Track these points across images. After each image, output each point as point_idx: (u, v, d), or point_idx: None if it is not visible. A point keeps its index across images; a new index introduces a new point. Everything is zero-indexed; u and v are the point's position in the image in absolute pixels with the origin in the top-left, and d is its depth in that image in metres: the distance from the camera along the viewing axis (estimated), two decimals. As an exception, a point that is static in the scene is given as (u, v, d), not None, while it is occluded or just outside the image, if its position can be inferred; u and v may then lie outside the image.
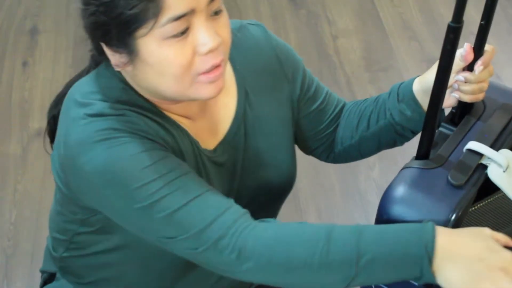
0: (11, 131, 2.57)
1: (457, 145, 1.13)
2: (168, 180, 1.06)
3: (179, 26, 1.03)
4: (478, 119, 1.18)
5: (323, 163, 1.46)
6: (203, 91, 1.09)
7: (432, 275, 1.00)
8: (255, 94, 1.26)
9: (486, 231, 1.03)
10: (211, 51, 1.06)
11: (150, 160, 1.06)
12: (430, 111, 1.08)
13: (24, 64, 2.84)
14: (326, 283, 1.04)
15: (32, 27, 3.02)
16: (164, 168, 1.07)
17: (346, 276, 1.02)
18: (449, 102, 1.20)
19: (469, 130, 1.16)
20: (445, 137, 1.16)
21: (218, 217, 1.06)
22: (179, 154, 1.14)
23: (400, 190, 1.07)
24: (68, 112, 1.12)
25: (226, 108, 1.24)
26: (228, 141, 1.23)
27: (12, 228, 2.25)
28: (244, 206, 1.11)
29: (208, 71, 1.07)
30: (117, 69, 1.11)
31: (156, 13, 1.01)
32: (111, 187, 1.07)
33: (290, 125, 1.32)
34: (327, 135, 1.36)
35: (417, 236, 1.01)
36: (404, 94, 1.25)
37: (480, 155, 1.10)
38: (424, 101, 1.21)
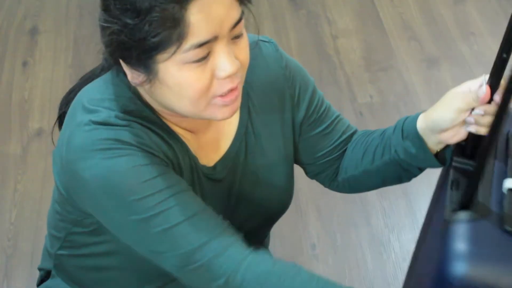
0: (11, 131, 2.57)
1: (491, 186, 1.10)
2: (166, 196, 1.06)
3: (201, 52, 1.02)
4: (495, 152, 1.15)
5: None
6: (218, 113, 1.09)
7: None
8: (258, 113, 1.26)
9: None
10: (229, 76, 1.05)
11: (150, 174, 1.06)
12: (479, 162, 1.03)
13: (24, 64, 2.84)
14: None
15: (32, 27, 3.02)
16: (163, 183, 1.06)
17: None
18: (457, 137, 1.16)
19: (493, 165, 1.13)
20: (462, 172, 1.13)
21: (212, 239, 1.06)
22: (178, 169, 1.14)
23: (462, 247, 1.02)
24: (74, 116, 1.12)
25: (230, 124, 1.24)
26: (228, 159, 1.23)
27: (12, 228, 2.25)
28: (238, 225, 1.12)
29: (224, 94, 1.07)
30: (133, 84, 1.10)
31: (180, 40, 1.00)
32: (109, 197, 1.07)
33: (291, 146, 1.31)
34: (331, 160, 1.34)
35: None
36: (409, 131, 1.21)
37: None
38: (429, 138, 1.18)
